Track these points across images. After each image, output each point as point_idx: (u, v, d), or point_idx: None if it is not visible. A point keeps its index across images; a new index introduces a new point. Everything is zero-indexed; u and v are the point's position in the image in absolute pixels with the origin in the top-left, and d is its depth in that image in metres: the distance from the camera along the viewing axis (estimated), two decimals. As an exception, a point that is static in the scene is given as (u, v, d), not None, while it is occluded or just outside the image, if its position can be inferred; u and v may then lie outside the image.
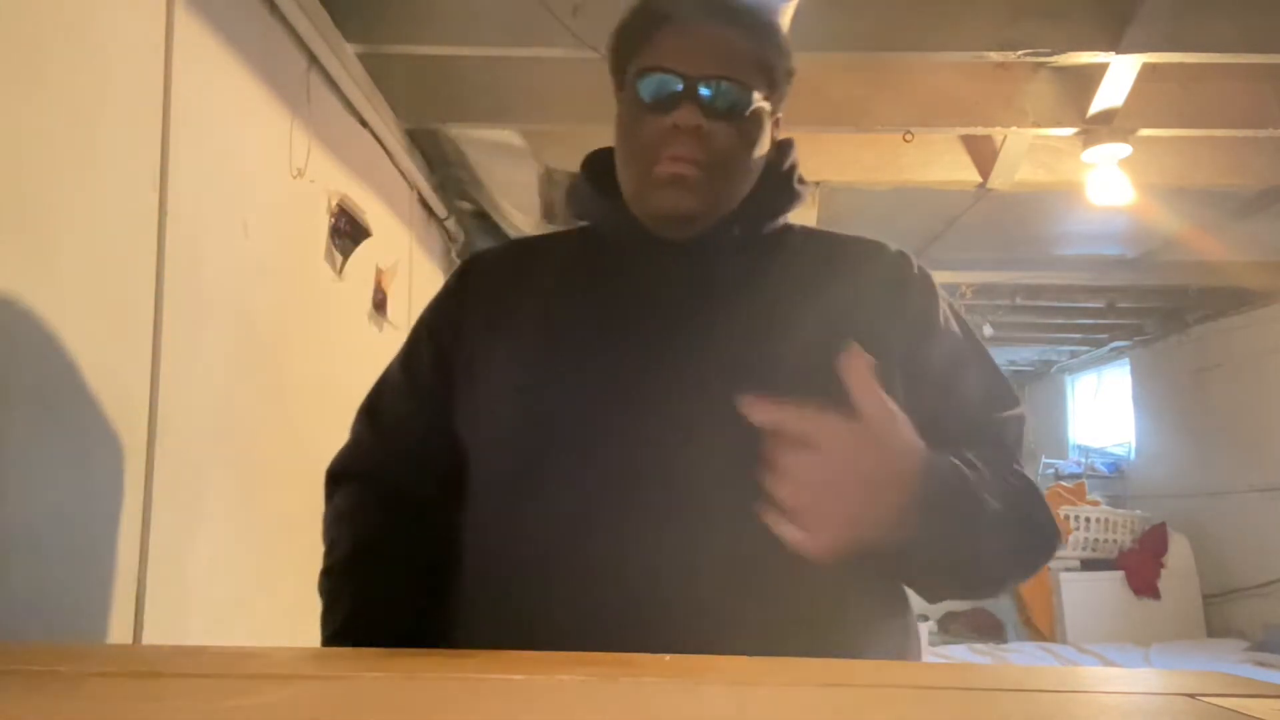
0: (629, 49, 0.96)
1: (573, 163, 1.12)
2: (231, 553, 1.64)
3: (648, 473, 0.85)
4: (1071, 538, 5.02)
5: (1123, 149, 2.74)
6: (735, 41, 0.93)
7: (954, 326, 0.98)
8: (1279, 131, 2.63)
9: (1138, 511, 5.30)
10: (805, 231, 1.03)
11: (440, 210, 3.15)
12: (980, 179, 3.12)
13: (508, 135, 2.81)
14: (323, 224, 2.12)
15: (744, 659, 0.67)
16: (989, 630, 5.97)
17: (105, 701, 0.53)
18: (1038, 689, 0.62)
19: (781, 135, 1.07)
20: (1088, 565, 5.01)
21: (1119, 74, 2.39)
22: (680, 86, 0.90)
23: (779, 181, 1.00)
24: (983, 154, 3.11)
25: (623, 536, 0.84)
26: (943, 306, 0.98)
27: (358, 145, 2.38)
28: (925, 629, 4.61)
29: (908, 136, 2.87)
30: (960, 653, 4.54)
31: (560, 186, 3.16)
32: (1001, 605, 5.78)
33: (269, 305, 1.82)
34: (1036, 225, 3.94)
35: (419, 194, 2.95)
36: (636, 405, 0.87)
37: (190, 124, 1.46)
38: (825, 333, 0.88)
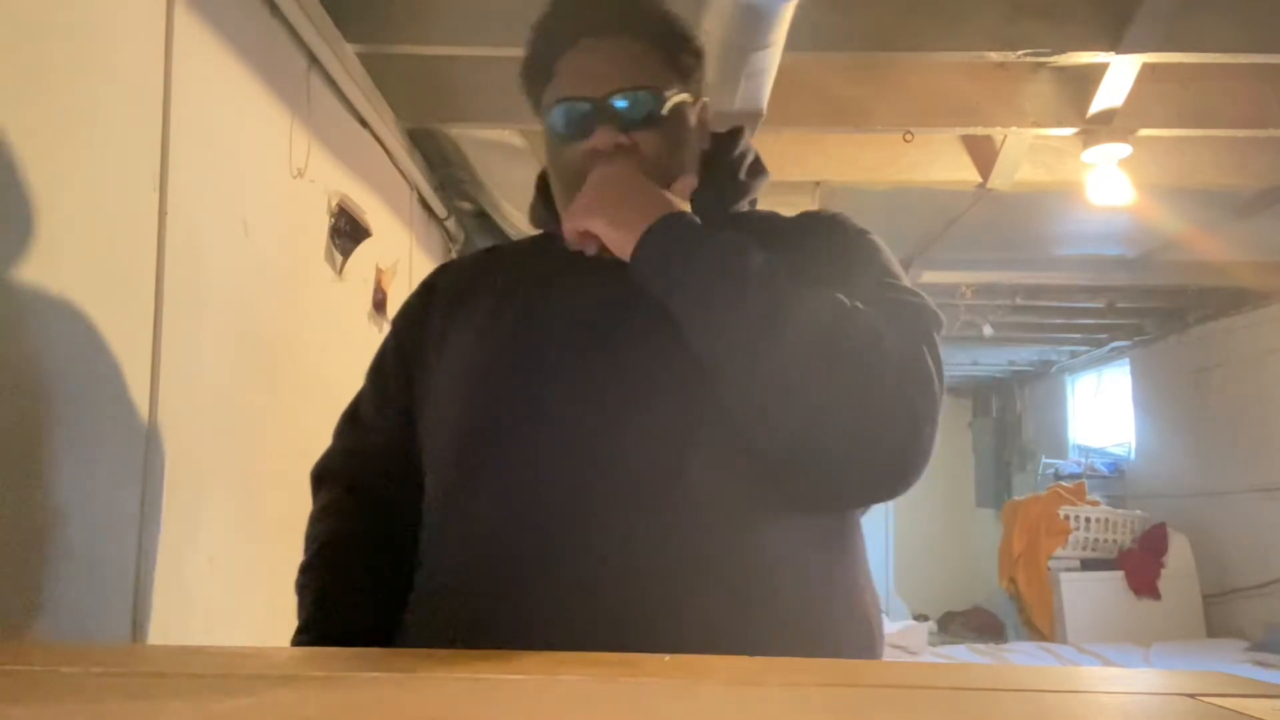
0: (536, 86, 0.97)
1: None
2: (231, 553, 1.64)
3: (589, 460, 0.85)
4: (1071, 538, 5.02)
5: (1123, 149, 2.74)
6: (634, 48, 0.93)
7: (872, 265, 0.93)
8: (1279, 131, 2.63)
9: (1138, 511, 5.30)
10: (759, 218, 1.01)
11: (440, 210, 3.15)
12: (980, 179, 3.12)
13: (508, 135, 2.81)
14: (323, 224, 2.12)
15: (744, 659, 0.67)
16: (989, 630, 5.97)
17: (105, 701, 0.53)
18: (1038, 689, 0.62)
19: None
20: (1088, 565, 5.01)
21: (1119, 74, 2.39)
22: (590, 109, 0.90)
23: (727, 173, 0.99)
24: (983, 154, 3.11)
25: (560, 527, 0.84)
26: (882, 257, 0.94)
27: (358, 145, 2.38)
28: (925, 629, 4.61)
29: (908, 136, 2.87)
30: (960, 653, 4.54)
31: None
32: (1002, 605, 5.78)
33: (269, 305, 1.82)
34: (1036, 225, 3.94)
35: (419, 194, 2.94)
36: (578, 394, 0.88)
37: (190, 124, 1.46)
38: None
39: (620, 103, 0.90)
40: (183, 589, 1.47)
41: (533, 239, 1.07)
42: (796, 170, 3.09)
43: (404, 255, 2.78)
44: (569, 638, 0.75)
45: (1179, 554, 5.00)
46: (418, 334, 1.02)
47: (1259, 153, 3.07)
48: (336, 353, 2.15)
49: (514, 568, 0.85)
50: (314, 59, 2.01)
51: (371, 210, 2.39)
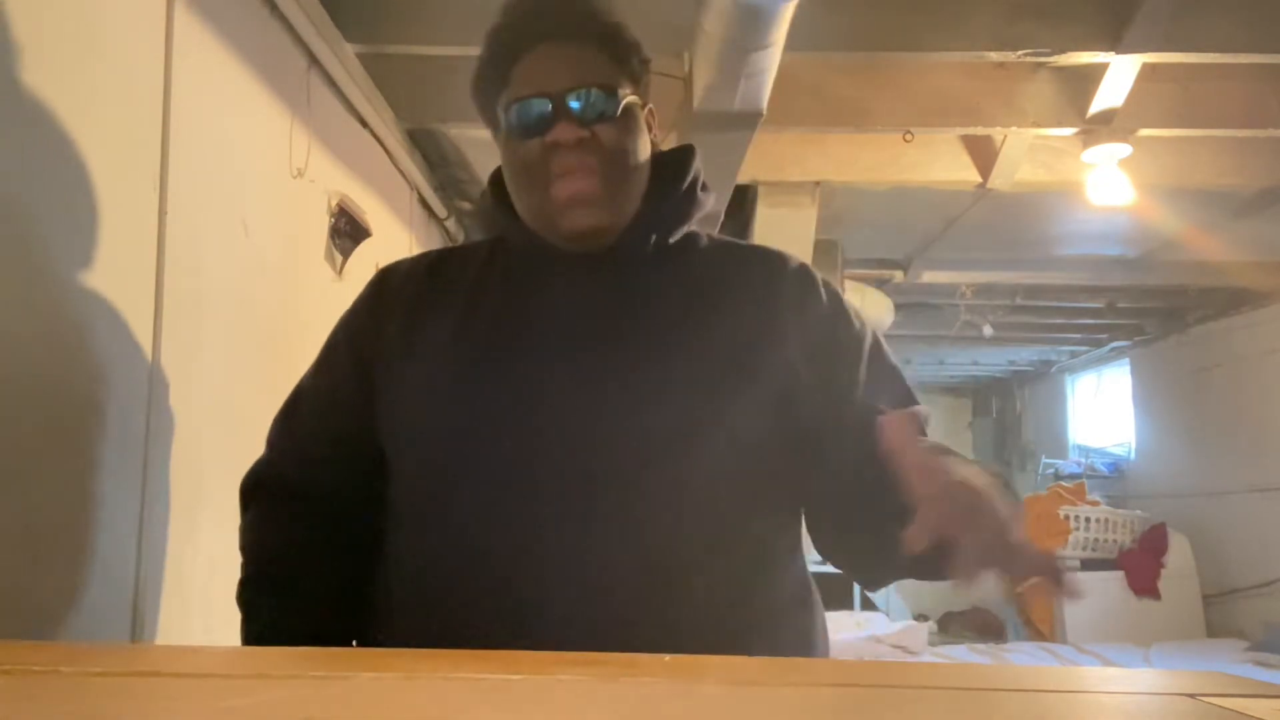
0: (491, 94, 0.99)
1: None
2: (231, 553, 1.63)
3: (577, 465, 0.87)
4: (1071, 538, 5.02)
5: (1123, 149, 2.74)
6: (587, 53, 0.96)
7: (861, 334, 1.00)
8: (1279, 131, 2.63)
9: (1138, 511, 5.30)
10: (710, 238, 1.05)
11: (440, 210, 3.15)
12: (980, 179, 3.12)
13: (508, 135, 2.81)
14: (323, 224, 2.12)
15: (744, 659, 0.67)
16: (989, 630, 5.97)
17: (105, 701, 0.53)
18: (1038, 689, 0.62)
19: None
20: (1088, 565, 5.01)
21: (1119, 74, 2.39)
22: (549, 106, 0.92)
23: (681, 190, 1.01)
24: (983, 154, 3.11)
25: (543, 540, 0.85)
26: (853, 320, 1.01)
27: (358, 145, 2.38)
28: (925, 629, 4.61)
29: (908, 136, 2.87)
30: (960, 653, 4.54)
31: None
32: (1001, 605, 5.78)
33: (269, 305, 1.82)
34: (1036, 225, 3.94)
35: (419, 194, 2.94)
36: (556, 414, 0.89)
37: (190, 124, 1.46)
38: (737, 336, 0.93)
39: (577, 100, 0.93)
40: (183, 589, 1.47)
41: (489, 243, 1.04)
42: (796, 170, 3.09)
43: (404, 255, 2.78)
44: (569, 639, 0.76)
45: (1179, 554, 5.00)
46: (372, 337, 1.00)
47: (1258, 153, 3.07)
48: (336, 353, 2.15)
49: (510, 573, 0.86)
50: (314, 59, 2.01)
51: (371, 210, 2.39)
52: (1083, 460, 6.48)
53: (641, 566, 0.85)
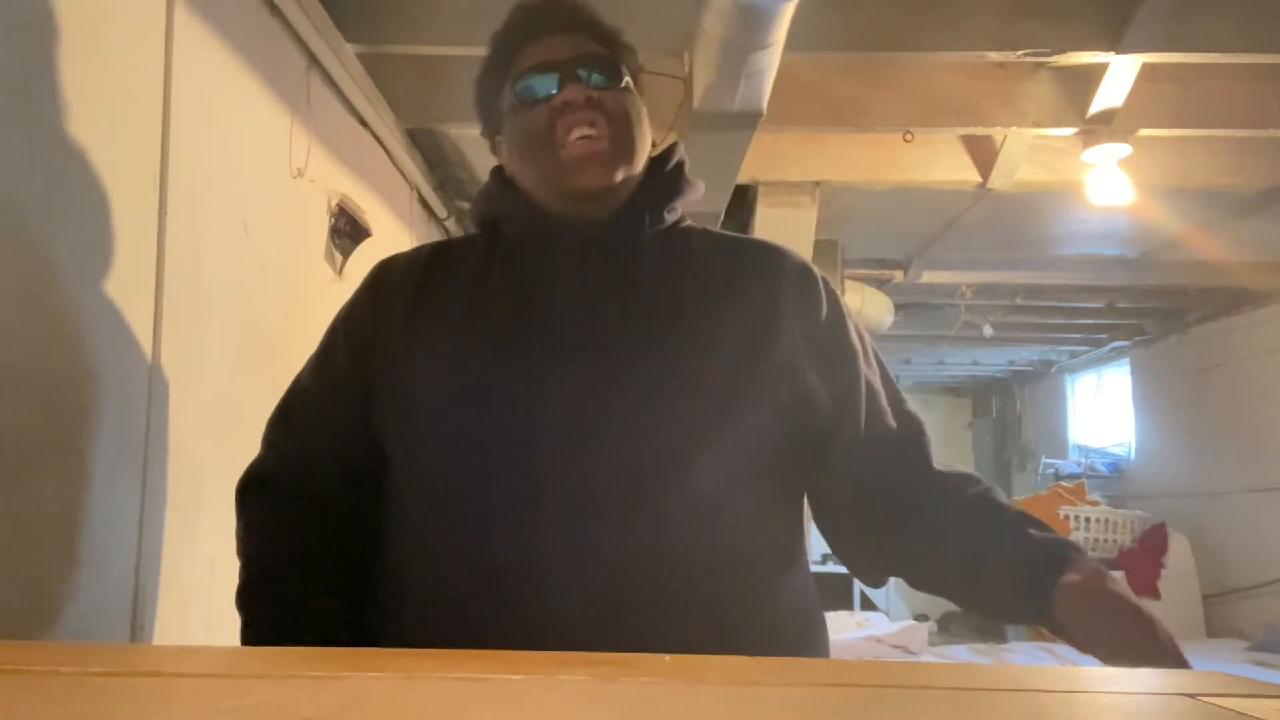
0: (496, 82, 1.02)
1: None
2: (231, 553, 1.63)
3: (593, 471, 0.86)
4: (1071, 538, 5.01)
5: (1123, 149, 2.74)
6: (590, 41, 1.00)
7: (860, 342, 1.02)
8: (1279, 131, 2.63)
9: (1138, 511, 5.30)
10: (708, 231, 1.06)
11: (440, 210, 3.15)
12: (980, 179, 3.12)
13: (508, 135, 2.81)
14: (323, 224, 2.12)
15: (744, 659, 0.67)
16: (989, 630, 5.96)
17: (105, 701, 0.53)
18: (1038, 689, 0.62)
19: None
20: (1088, 565, 5.00)
21: (1119, 74, 2.39)
22: (557, 73, 0.96)
23: (669, 174, 1.03)
24: (983, 154, 3.11)
25: (551, 544, 0.85)
26: (850, 322, 1.03)
27: (358, 145, 2.38)
28: (925, 629, 4.61)
29: (908, 136, 2.87)
30: (960, 653, 4.53)
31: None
32: (1001, 605, 5.75)
33: (269, 305, 1.82)
34: (1036, 225, 3.94)
35: (419, 194, 2.94)
36: (564, 415, 0.88)
37: (190, 124, 1.46)
38: (742, 335, 0.93)
39: (584, 68, 0.96)
40: (183, 589, 1.47)
41: (486, 236, 1.03)
42: (796, 170, 3.09)
43: (404, 255, 2.78)
44: (574, 638, 0.76)
45: (1179, 554, 5.00)
46: (372, 334, 0.98)
47: (1259, 153, 3.07)
48: (336, 353, 2.15)
49: (517, 577, 0.85)
50: (314, 59, 2.01)
51: (371, 210, 2.39)
52: (1083, 460, 6.48)
53: (649, 572, 0.84)
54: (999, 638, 5.29)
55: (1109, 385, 6.59)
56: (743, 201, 3.32)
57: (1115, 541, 5.09)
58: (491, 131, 1.06)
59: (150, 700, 0.54)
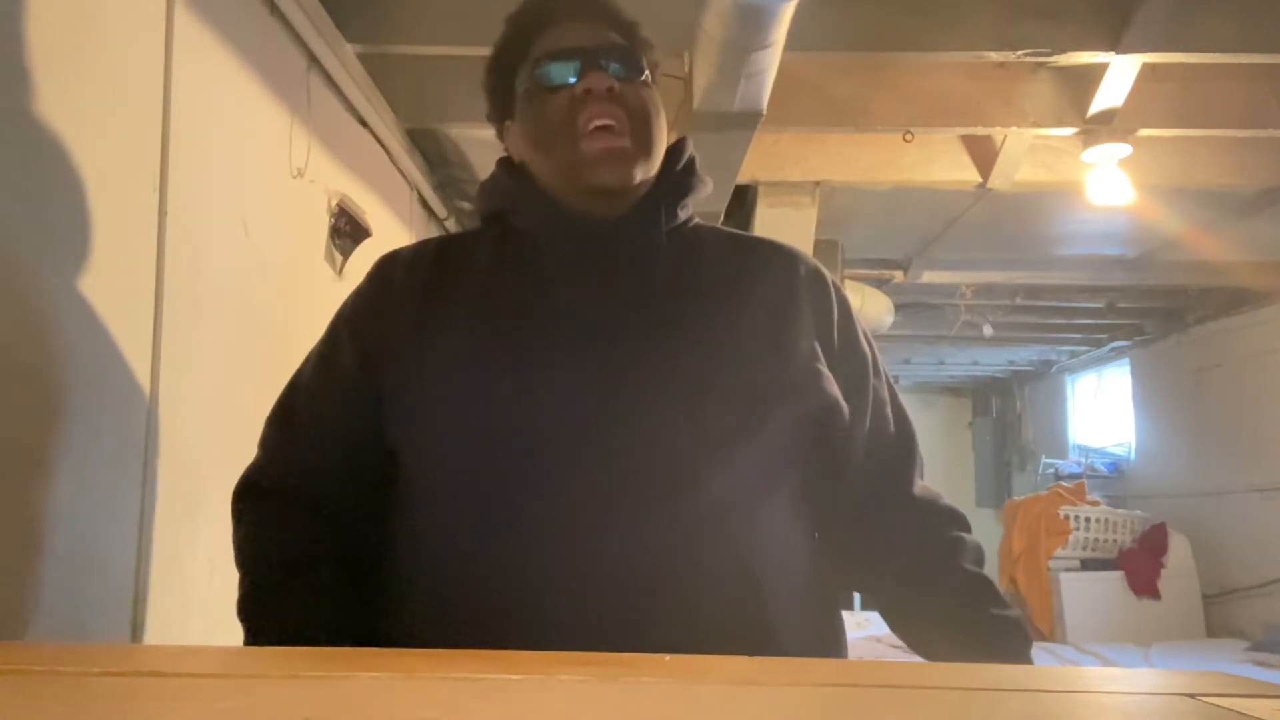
0: (509, 68, 0.99)
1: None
2: (231, 553, 1.63)
3: (610, 473, 0.84)
4: (1071, 538, 5.02)
5: (1123, 149, 2.74)
6: (610, 30, 0.98)
7: (869, 348, 1.02)
8: (1279, 131, 2.63)
9: (1138, 511, 5.30)
10: (713, 229, 1.05)
11: (440, 210, 3.15)
12: (980, 179, 3.12)
13: (508, 135, 2.81)
14: (323, 224, 2.12)
15: (744, 659, 0.67)
16: (989, 630, 5.94)
17: (105, 701, 0.53)
18: (1038, 689, 0.62)
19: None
20: (1088, 565, 5.01)
21: (1119, 74, 2.39)
22: (580, 60, 0.93)
23: (681, 170, 1.01)
24: (983, 154, 3.11)
25: (574, 539, 0.83)
26: (860, 329, 1.02)
27: (358, 145, 2.38)
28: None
29: (908, 136, 2.87)
30: (960, 653, 4.53)
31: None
32: (1001, 605, 5.75)
33: (269, 305, 1.82)
34: (1036, 225, 3.94)
35: (419, 194, 2.94)
36: (586, 407, 0.86)
37: (190, 124, 1.46)
38: (756, 337, 0.92)
39: (606, 57, 0.94)
40: (183, 589, 1.47)
41: (495, 230, 1.00)
42: (796, 170, 3.09)
43: (404, 255, 2.78)
44: (584, 640, 0.74)
45: (1179, 554, 5.00)
46: (379, 331, 0.94)
47: (1259, 153, 3.07)
48: (336, 353, 2.15)
49: (541, 574, 0.83)
50: (314, 59, 2.01)
51: (371, 210, 2.39)
52: (1083, 460, 6.47)
53: (658, 575, 0.83)
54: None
55: (1109, 385, 6.59)
56: (743, 201, 3.32)
57: (1115, 541, 5.09)
58: (500, 117, 1.02)
59: (150, 700, 0.53)
